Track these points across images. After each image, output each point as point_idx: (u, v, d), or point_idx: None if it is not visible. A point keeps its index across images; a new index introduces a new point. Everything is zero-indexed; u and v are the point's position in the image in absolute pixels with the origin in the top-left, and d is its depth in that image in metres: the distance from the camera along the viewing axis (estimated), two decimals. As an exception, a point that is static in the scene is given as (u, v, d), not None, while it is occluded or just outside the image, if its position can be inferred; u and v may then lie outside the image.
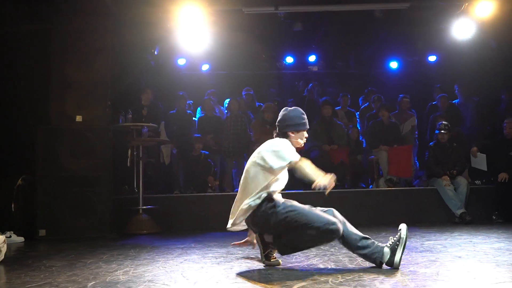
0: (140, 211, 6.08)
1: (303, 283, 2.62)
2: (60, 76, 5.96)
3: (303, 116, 3.49)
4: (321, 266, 3.18)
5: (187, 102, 8.15)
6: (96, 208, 5.77)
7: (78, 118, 5.97)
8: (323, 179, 3.09)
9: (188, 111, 8.04)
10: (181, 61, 9.06)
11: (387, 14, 7.21)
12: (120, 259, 3.77)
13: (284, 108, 3.55)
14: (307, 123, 3.51)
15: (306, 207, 3.17)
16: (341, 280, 2.66)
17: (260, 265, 3.27)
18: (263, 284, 2.65)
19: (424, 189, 6.78)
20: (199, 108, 8.32)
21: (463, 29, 7.10)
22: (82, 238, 5.46)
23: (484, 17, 6.75)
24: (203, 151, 7.29)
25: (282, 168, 3.23)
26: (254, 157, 3.34)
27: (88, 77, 5.99)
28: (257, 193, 3.20)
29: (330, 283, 2.60)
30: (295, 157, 3.23)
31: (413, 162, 7.47)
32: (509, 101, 7.40)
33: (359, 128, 8.21)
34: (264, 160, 3.23)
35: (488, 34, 7.21)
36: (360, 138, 8.05)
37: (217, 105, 8.39)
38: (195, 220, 6.28)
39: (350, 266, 3.13)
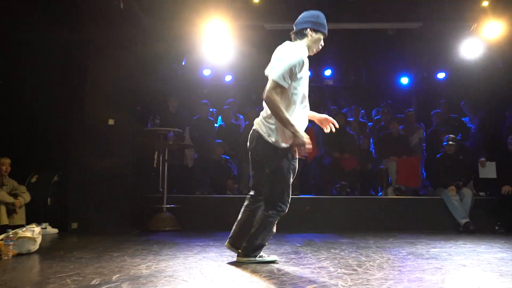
0: (164, 209, 6.08)
1: (314, 285, 2.57)
2: (94, 82, 6.03)
3: (325, 19, 3.02)
4: (332, 269, 3.12)
5: (210, 109, 8.15)
6: (121, 205, 5.81)
7: (110, 122, 6.03)
8: (301, 140, 2.85)
9: (210, 118, 8.04)
10: (206, 72, 9.10)
11: (399, 31, 7.13)
12: (144, 254, 3.77)
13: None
14: (327, 30, 3.02)
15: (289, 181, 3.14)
16: (350, 284, 2.60)
17: (273, 265, 3.22)
18: (275, 284, 2.60)
19: (430, 198, 6.63)
20: (220, 117, 8.33)
21: (471, 49, 7.01)
22: (109, 232, 5.47)
23: (492, 38, 6.64)
24: (223, 156, 7.28)
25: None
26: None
27: (118, 85, 6.07)
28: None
29: (340, 286, 2.54)
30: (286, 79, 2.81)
31: (420, 172, 7.34)
32: (513, 119, 7.23)
33: (370, 139, 8.11)
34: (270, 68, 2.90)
35: (496, 54, 7.08)
36: (371, 148, 7.95)
37: (235, 115, 8.35)
38: (214, 220, 6.23)
39: (360, 270, 3.06)
